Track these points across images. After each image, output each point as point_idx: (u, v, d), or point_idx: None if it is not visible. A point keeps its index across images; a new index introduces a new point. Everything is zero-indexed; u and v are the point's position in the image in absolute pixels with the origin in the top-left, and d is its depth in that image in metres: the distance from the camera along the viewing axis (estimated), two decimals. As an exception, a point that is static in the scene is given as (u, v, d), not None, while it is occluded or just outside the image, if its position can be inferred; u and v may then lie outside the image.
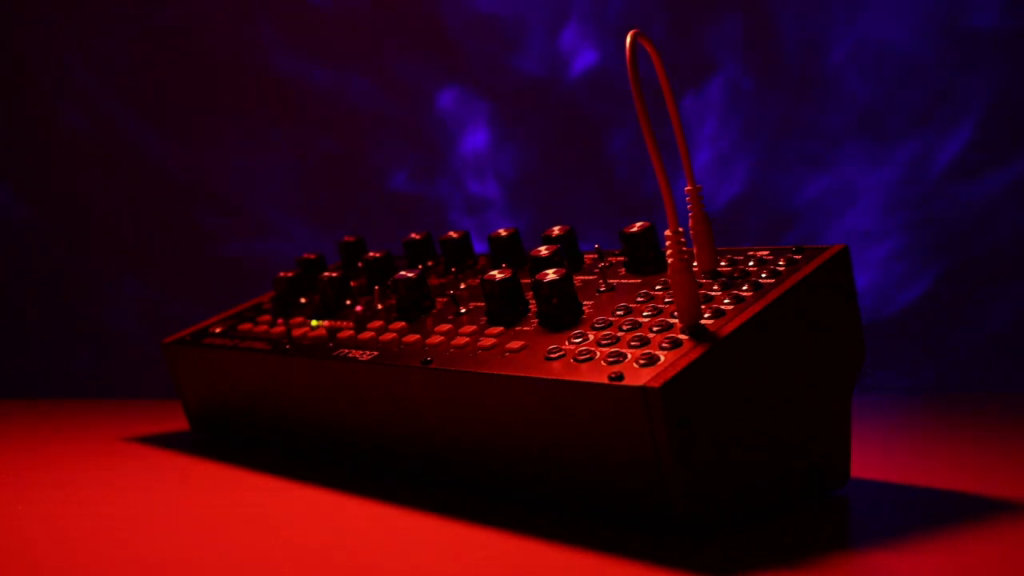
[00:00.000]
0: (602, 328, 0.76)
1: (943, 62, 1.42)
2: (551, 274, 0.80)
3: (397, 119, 1.60)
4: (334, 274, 1.02)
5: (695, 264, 0.80)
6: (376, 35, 1.58)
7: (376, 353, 0.87)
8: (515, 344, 0.78)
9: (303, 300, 1.08)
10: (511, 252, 0.95)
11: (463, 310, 0.89)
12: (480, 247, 1.11)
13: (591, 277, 0.86)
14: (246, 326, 1.06)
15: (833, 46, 1.44)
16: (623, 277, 0.84)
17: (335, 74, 1.61)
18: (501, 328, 0.82)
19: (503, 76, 1.54)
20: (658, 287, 0.80)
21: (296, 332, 0.99)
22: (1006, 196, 1.42)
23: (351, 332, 0.93)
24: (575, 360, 0.72)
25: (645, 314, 0.76)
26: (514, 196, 1.55)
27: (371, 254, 1.04)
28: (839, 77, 1.45)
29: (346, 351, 0.89)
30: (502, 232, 0.95)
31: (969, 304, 1.43)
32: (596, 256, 0.90)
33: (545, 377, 0.72)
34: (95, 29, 1.63)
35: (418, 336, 0.87)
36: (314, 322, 0.99)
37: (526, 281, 0.88)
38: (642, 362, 0.69)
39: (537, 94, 1.54)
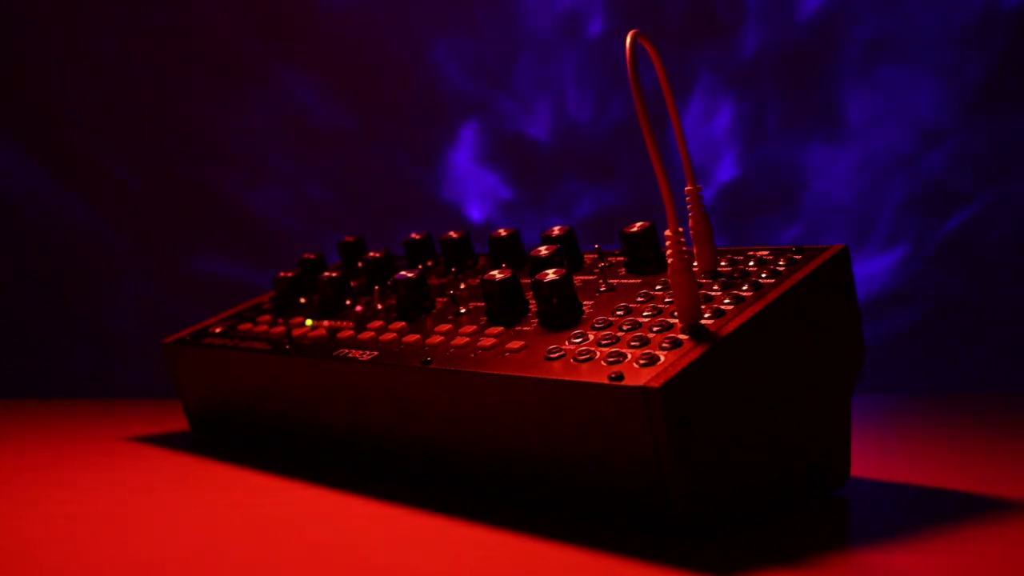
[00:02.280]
0: (602, 328, 0.76)
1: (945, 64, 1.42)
2: (551, 274, 0.80)
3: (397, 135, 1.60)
4: (334, 274, 1.02)
5: (695, 264, 0.80)
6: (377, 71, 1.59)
7: (376, 353, 0.87)
8: (515, 344, 0.78)
9: (303, 300, 1.08)
10: (511, 252, 0.95)
11: (463, 310, 0.89)
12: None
13: (591, 277, 0.86)
14: (246, 326, 1.06)
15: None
16: (623, 277, 0.84)
17: (337, 80, 1.61)
18: (501, 328, 0.82)
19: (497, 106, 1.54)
20: (658, 287, 0.80)
21: (296, 332, 0.99)
22: (1009, 196, 1.42)
23: (351, 332, 0.93)
24: (575, 360, 0.72)
25: (645, 314, 0.76)
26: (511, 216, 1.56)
27: (371, 254, 1.04)
28: (842, 75, 1.45)
29: (346, 351, 0.89)
30: (502, 232, 0.95)
31: (970, 305, 1.43)
32: (596, 256, 0.90)
33: (545, 377, 0.72)
34: (95, 28, 1.62)
35: (418, 336, 0.87)
36: (309, 322, 0.99)
37: (526, 281, 0.88)
38: (642, 362, 0.69)
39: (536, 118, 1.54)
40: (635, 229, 0.85)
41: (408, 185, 1.59)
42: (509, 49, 1.54)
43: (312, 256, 1.12)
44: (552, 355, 0.74)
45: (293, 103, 1.61)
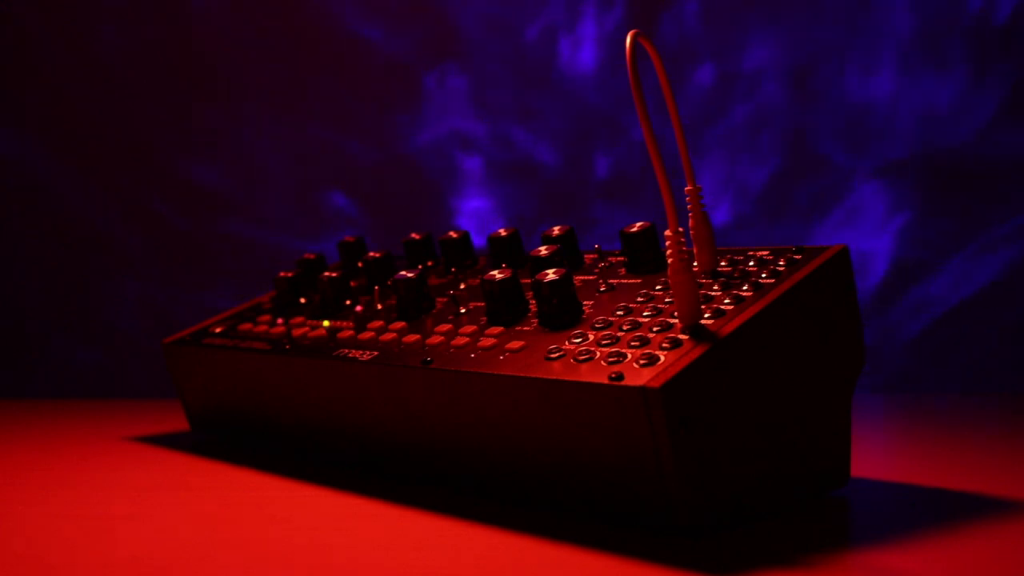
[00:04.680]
0: (602, 328, 0.76)
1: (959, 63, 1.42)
2: (551, 274, 0.80)
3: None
4: (334, 274, 1.02)
5: (695, 264, 0.80)
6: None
7: (376, 353, 0.87)
8: (515, 344, 0.78)
9: (303, 300, 1.08)
10: (511, 252, 0.95)
11: (463, 310, 0.89)
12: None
13: (591, 277, 0.86)
14: (246, 326, 1.06)
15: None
16: (623, 277, 0.84)
17: (340, 80, 1.61)
18: (501, 328, 0.82)
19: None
20: (658, 287, 0.80)
21: (296, 332, 0.99)
22: (1013, 197, 1.42)
23: (351, 332, 0.93)
24: (575, 360, 0.72)
25: (645, 314, 0.76)
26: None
27: (371, 254, 1.04)
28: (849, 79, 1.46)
29: (346, 351, 0.89)
30: (502, 232, 0.95)
31: (971, 306, 1.43)
32: (596, 256, 0.90)
33: (545, 377, 0.72)
34: (95, 30, 1.63)
35: (418, 336, 0.87)
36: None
37: (526, 281, 0.88)
38: (642, 362, 0.69)
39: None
40: (635, 229, 0.85)
41: (406, 212, 1.59)
42: (511, 78, 1.54)
43: (312, 256, 1.12)
44: (552, 355, 0.74)
45: (297, 104, 1.62)
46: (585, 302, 0.81)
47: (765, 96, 1.47)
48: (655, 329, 0.73)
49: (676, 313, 0.72)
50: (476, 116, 1.56)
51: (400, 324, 0.90)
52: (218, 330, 1.08)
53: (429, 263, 1.04)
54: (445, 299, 0.92)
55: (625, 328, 0.75)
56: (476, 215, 1.55)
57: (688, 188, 0.79)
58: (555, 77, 1.53)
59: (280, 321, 1.04)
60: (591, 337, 0.75)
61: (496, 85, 1.55)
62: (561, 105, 1.54)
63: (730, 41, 1.48)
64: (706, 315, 0.72)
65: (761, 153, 1.48)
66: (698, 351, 0.68)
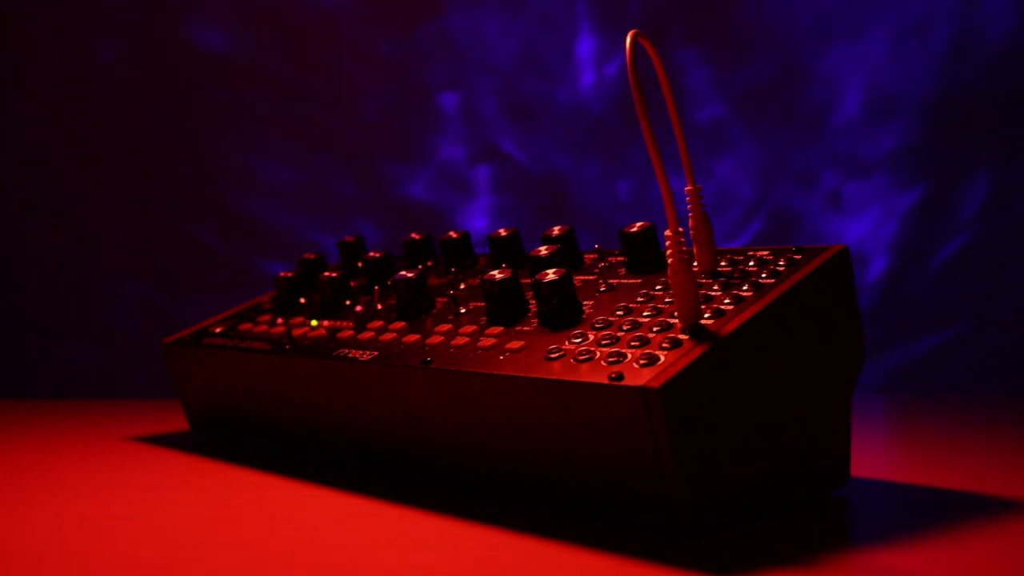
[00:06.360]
0: (602, 328, 0.76)
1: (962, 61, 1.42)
2: (551, 274, 0.80)
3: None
4: (334, 274, 1.02)
5: (695, 264, 0.80)
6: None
7: (376, 353, 0.87)
8: (515, 344, 0.78)
9: (303, 300, 1.08)
10: (511, 252, 0.95)
11: (463, 310, 0.89)
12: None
13: (591, 277, 0.86)
14: (246, 326, 1.06)
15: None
16: (623, 277, 0.84)
17: (341, 82, 1.61)
18: (501, 328, 0.82)
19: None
20: (658, 287, 0.80)
21: (296, 332, 0.99)
22: (1014, 197, 1.42)
23: (351, 332, 0.93)
24: (575, 360, 0.72)
25: (645, 314, 0.76)
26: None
27: (371, 254, 1.04)
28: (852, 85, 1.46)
29: (346, 351, 0.89)
30: (502, 232, 0.95)
31: (971, 306, 1.43)
32: (596, 256, 0.90)
33: (545, 377, 0.72)
34: (95, 31, 1.63)
35: (418, 336, 0.87)
36: (313, 322, 0.99)
37: (526, 281, 0.88)
38: (642, 362, 0.69)
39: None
40: (635, 229, 0.85)
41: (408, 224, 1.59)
42: (510, 98, 1.55)
43: (312, 256, 1.12)
44: (552, 355, 0.74)
45: (298, 103, 1.62)
46: (585, 302, 0.81)
47: (760, 93, 1.47)
48: (655, 329, 0.73)
49: (676, 313, 0.72)
50: (475, 137, 1.56)
51: (400, 324, 0.90)
52: (218, 330, 1.08)
53: (429, 263, 1.04)
54: (445, 299, 0.92)
55: (625, 328, 0.75)
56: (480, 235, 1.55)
57: (688, 188, 0.79)
58: (557, 91, 1.53)
59: (280, 321, 1.04)
60: (591, 337, 0.75)
61: (495, 105, 1.55)
62: (566, 119, 1.54)
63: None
64: (706, 315, 0.72)
65: (758, 153, 1.48)
66: (698, 351, 0.68)
